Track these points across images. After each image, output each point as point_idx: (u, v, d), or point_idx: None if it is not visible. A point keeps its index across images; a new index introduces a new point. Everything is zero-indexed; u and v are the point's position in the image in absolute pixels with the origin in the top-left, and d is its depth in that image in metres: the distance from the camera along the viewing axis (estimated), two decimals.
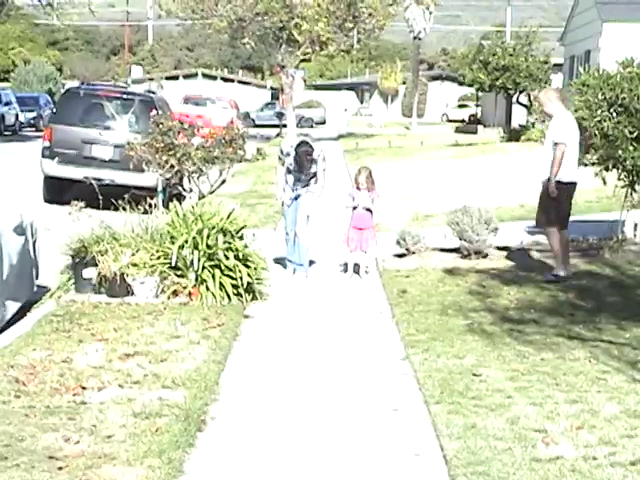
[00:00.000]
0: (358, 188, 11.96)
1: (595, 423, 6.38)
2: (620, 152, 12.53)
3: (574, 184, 11.28)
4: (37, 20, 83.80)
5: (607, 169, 13.21)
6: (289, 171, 11.89)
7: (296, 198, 11.91)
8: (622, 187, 13.39)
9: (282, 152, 11.98)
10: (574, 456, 5.80)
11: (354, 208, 11.95)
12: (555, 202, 11.16)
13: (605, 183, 13.48)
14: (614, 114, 12.54)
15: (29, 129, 47.37)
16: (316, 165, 11.83)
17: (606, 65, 14.19)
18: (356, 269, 12.03)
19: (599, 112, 12.55)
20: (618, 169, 13.11)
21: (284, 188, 11.99)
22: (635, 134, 12.41)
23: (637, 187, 13.31)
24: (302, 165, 11.70)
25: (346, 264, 12.14)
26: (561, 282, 11.06)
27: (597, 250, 12.87)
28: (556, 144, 11.03)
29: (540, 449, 5.92)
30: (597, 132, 12.48)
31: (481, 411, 6.63)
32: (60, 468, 5.43)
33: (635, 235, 13.63)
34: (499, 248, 12.87)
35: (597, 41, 35.81)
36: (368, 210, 11.93)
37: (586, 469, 5.59)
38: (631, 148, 12.47)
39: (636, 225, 13.66)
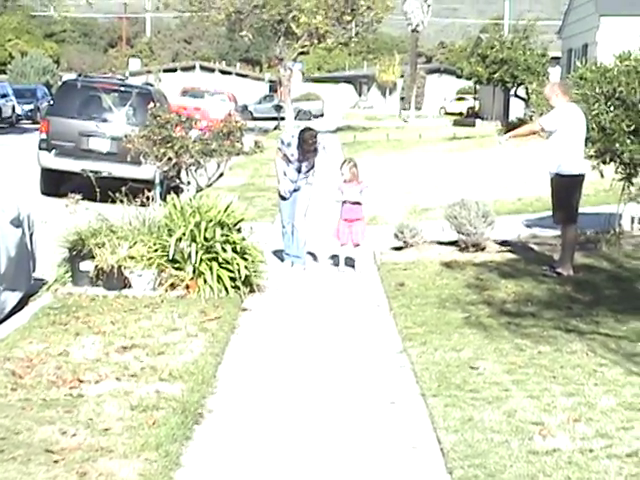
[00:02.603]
0: (345, 181, 11.94)
1: (592, 416, 6.39)
2: (617, 145, 12.53)
3: (582, 176, 11.25)
4: (34, 12, 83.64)
5: (604, 162, 13.21)
6: (289, 162, 11.88)
7: (295, 190, 11.91)
8: (619, 180, 13.39)
9: (282, 142, 11.97)
10: (571, 448, 5.80)
11: (343, 203, 11.94)
12: (567, 196, 11.14)
13: (602, 176, 13.48)
14: (611, 107, 12.52)
15: (26, 121, 47.26)
16: (316, 155, 11.82)
17: (603, 59, 14.19)
18: (350, 262, 12.02)
19: (596, 105, 12.54)
20: (615, 162, 13.11)
21: (281, 180, 11.98)
22: (632, 127, 12.40)
23: (634, 180, 13.31)
24: (307, 150, 11.66)
25: (337, 257, 12.14)
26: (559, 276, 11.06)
27: (594, 243, 12.88)
28: (542, 129, 11.10)
29: (537, 442, 5.92)
30: (595, 125, 12.48)
31: (478, 404, 6.64)
32: (56, 461, 5.43)
33: (632, 228, 13.65)
34: (497, 241, 12.87)
35: (594, 35, 35.78)
36: (357, 203, 11.93)
37: (582, 461, 5.60)
38: (628, 141, 12.46)
39: (633, 218, 13.67)
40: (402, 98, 68.70)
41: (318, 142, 11.79)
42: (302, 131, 11.82)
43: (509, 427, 6.17)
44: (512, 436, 6.00)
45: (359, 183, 11.95)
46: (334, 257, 12.40)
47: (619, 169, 13.25)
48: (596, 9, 36.21)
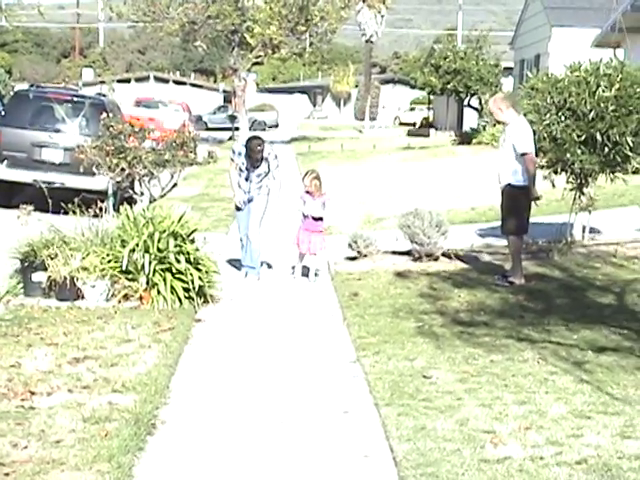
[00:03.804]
0: (307, 192, 11.98)
1: (543, 423, 6.45)
2: (568, 155, 12.68)
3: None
4: None
5: (556, 172, 13.36)
6: (241, 171, 11.89)
7: (249, 201, 11.92)
8: (570, 190, 13.55)
9: (234, 152, 11.99)
10: (522, 456, 5.85)
11: (305, 216, 11.98)
12: (516, 208, 11.23)
13: (554, 186, 13.63)
14: (562, 118, 12.67)
15: None
16: (267, 164, 11.84)
17: (555, 69, 14.34)
18: (305, 272, 12.05)
19: (548, 116, 12.69)
20: (566, 172, 13.26)
21: (236, 191, 12.00)
22: (583, 137, 12.56)
23: (585, 190, 13.47)
24: (254, 159, 11.69)
25: (294, 267, 12.18)
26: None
27: (546, 252, 13.00)
28: (523, 154, 11.02)
29: (488, 450, 5.97)
30: (546, 135, 12.61)
31: (431, 413, 6.67)
32: (7, 474, 5.38)
33: (583, 237, 13.80)
34: (449, 252, 12.93)
35: (546, 45, 36.18)
36: (319, 219, 11.97)
37: (533, 469, 5.65)
38: (579, 151, 12.62)
39: (584, 227, 13.82)
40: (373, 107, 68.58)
41: (268, 151, 11.82)
42: (248, 140, 11.85)
43: (461, 436, 6.22)
44: (464, 444, 6.04)
45: (321, 195, 11.98)
46: (289, 267, 12.41)
47: (570, 179, 13.41)
48: (548, 20, 36.63)
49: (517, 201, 11.21)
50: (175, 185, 14.82)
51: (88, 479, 5.37)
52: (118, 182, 14.23)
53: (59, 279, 9.87)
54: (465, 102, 43.17)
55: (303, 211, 11.97)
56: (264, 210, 11.99)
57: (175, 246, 10.15)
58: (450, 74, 40.74)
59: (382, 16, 55.99)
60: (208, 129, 55.98)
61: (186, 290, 9.97)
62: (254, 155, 11.68)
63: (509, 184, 11.18)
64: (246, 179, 11.89)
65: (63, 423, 6.28)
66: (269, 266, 12.60)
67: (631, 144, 12.49)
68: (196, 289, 9.99)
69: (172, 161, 14.03)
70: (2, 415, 6.41)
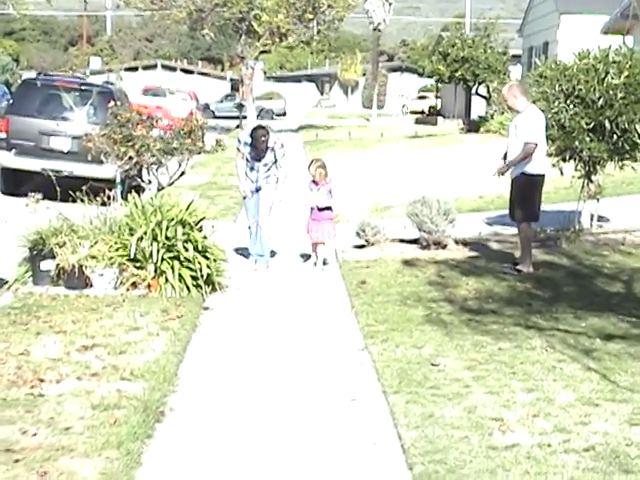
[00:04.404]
0: (313, 181, 11.98)
1: (550, 411, 6.46)
2: (577, 143, 12.64)
3: (543, 176, 11.31)
4: None
5: (564, 160, 13.32)
6: (247, 161, 11.91)
7: (257, 190, 11.93)
8: (579, 178, 13.52)
9: (240, 142, 12.00)
10: (529, 443, 5.86)
11: (311, 208, 11.99)
12: (528, 196, 11.20)
13: (562, 174, 13.60)
14: (571, 105, 12.63)
15: None
16: (274, 153, 11.84)
17: (564, 57, 14.30)
18: (315, 260, 12.06)
19: (556, 103, 12.65)
20: (575, 160, 13.23)
21: (242, 180, 12.02)
22: (591, 125, 12.52)
23: (593, 178, 13.44)
24: (259, 149, 11.71)
25: (305, 255, 12.19)
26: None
27: (554, 241, 12.98)
28: (526, 143, 11.01)
29: (496, 437, 5.98)
30: (554, 123, 12.58)
31: (439, 400, 6.68)
32: (17, 461, 5.41)
33: (591, 225, 13.77)
34: (457, 240, 12.93)
35: (555, 33, 36.06)
36: (325, 209, 11.97)
37: (541, 456, 5.66)
38: (587, 139, 12.58)
39: (592, 215, 13.80)
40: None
41: (274, 141, 11.82)
42: (253, 130, 11.86)
43: (469, 423, 6.23)
44: (472, 432, 6.05)
45: (327, 183, 11.98)
46: (298, 256, 12.42)
47: (578, 167, 13.37)
48: (556, 7, 36.51)
49: (529, 189, 11.16)
50: (183, 173, 14.82)
51: (97, 466, 5.39)
52: (126, 170, 14.23)
53: (67, 267, 9.89)
54: (473, 90, 43.05)
55: (310, 202, 11.98)
56: (273, 198, 11.99)
57: (183, 234, 10.16)
58: (458, 62, 40.61)
59: (390, 4, 55.76)
60: (215, 117, 55.94)
61: (194, 278, 9.99)
62: (259, 145, 11.69)
63: (522, 172, 11.11)
64: (252, 168, 11.90)
65: (72, 410, 6.31)
66: (276, 255, 12.59)
67: None
68: (204, 277, 10.00)
69: (180, 149, 14.01)
70: (12, 402, 6.44)
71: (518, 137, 11.10)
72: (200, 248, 10.19)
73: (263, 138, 11.67)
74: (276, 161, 11.90)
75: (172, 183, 14.57)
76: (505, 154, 11.43)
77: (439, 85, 55.04)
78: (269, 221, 11.96)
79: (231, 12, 40.55)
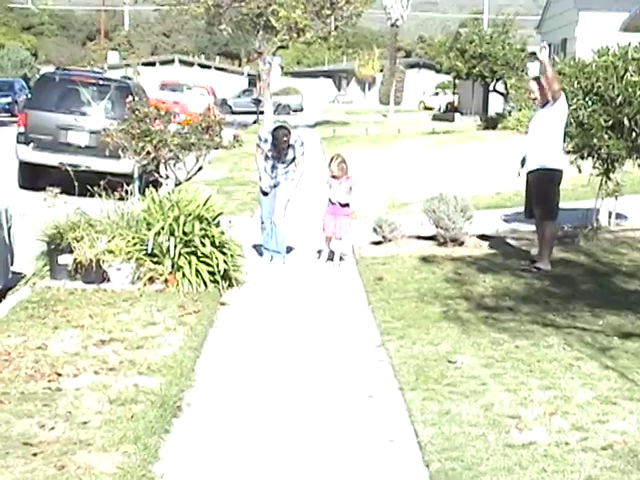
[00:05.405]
0: (333, 177, 12.01)
1: (568, 409, 6.44)
2: (595, 140, 12.60)
3: (561, 171, 11.22)
4: (11, 4, 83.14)
5: (582, 157, 13.28)
6: (267, 158, 11.92)
7: (275, 186, 11.94)
8: (597, 175, 13.47)
9: (260, 139, 12.01)
10: (547, 441, 5.85)
11: (330, 202, 12.01)
12: (546, 192, 11.10)
13: (580, 171, 13.56)
14: (589, 103, 12.59)
15: (4, 114, 46.92)
16: (294, 150, 11.87)
17: (582, 54, 14.25)
18: (330, 256, 12.06)
19: (575, 101, 12.60)
20: (593, 157, 13.18)
21: (262, 175, 12.04)
22: (610, 123, 12.48)
23: (611, 175, 13.39)
24: (280, 148, 11.74)
25: (320, 251, 12.19)
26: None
27: (572, 238, 12.95)
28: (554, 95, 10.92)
29: (513, 435, 5.96)
30: (573, 120, 12.54)
31: (456, 397, 6.67)
32: (35, 454, 5.43)
33: (609, 223, 13.73)
34: (475, 236, 12.91)
35: (573, 30, 35.96)
36: (344, 205, 11.98)
37: (558, 454, 5.65)
38: (606, 136, 12.54)
39: (610, 213, 13.75)
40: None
41: (294, 138, 11.84)
42: (275, 130, 11.90)
43: (486, 420, 6.21)
44: (489, 429, 6.04)
45: (348, 179, 12.00)
46: (314, 252, 12.42)
47: (597, 164, 13.33)
48: (575, 4, 36.40)
49: (547, 185, 11.06)
50: (200, 168, 14.80)
51: (115, 460, 5.40)
52: (144, 165, 14.23)
53: (85, 262, 9.91)
54: (491, 87, 42.95)
55: (329, 196, 12.00)
56: (289, 195, 12.00)
57: (200, 229, 10.17)
58: (476, 58, 40.52)
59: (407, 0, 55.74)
60: (233, 113, 55.96)
61: (211, 273, 10.00)
62: (280, 145, 11.73)
63: (543, 167, 11.02)
64: (272, 166, 11.91)
65: (89, 404, 6.33)
66: (294, 251, 12.59)
67: None
68: (221, 272, 10.00)
69: (198, 144, 14.01)
70: (29, 396, 6.46)
71: (546, 131, 10.92)
72: (217, 243, 10.20)
73: (285, 138, 11.71)
74: (295, 158, 11.91)
75: (189, 178, 14.56)
76: (524, 158, 11.36)
77: (456, 81, 54.95)
78: (284, 218, 11.96)
79: (249, 7, 40.53)
